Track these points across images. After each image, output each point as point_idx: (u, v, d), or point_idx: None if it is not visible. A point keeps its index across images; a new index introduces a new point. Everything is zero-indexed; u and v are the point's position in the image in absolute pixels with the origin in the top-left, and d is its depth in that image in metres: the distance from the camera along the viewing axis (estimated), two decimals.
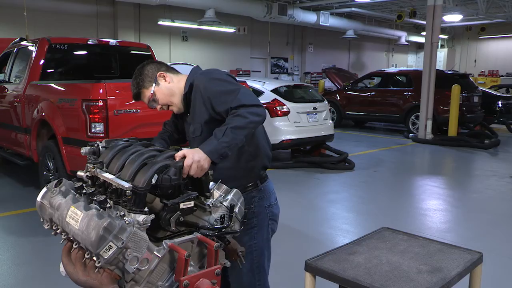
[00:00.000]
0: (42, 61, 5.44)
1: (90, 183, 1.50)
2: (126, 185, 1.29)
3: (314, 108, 7.55)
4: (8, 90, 5.90)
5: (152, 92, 1.96)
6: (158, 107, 2.01)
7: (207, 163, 1.60)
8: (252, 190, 2.02)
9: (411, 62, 26.52)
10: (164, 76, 1.99)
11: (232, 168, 1.96)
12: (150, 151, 1.49)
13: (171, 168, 1.39)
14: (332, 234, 4.48)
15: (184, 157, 1.52)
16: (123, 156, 1.47)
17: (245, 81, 5.77)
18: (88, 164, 1.53)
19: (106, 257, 1.10)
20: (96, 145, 1.62)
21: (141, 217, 1.22)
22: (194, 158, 1.52)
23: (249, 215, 1.96)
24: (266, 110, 7.16)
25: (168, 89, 1.99)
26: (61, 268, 1.27)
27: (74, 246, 1.19)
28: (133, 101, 4.27)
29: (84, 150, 1.61)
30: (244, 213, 1.52)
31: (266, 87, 7.63)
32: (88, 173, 1.52)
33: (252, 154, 2.00)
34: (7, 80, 6.11)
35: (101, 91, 4.08)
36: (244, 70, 17.21)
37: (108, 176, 1.41)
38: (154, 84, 1.96)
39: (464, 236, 4.43)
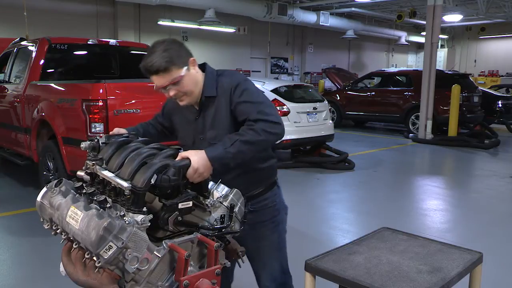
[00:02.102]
0: (42, 61, 5.44)
1: (89, 180, 1.49)
2: (125, 184, 1.29)
3: (314, 108, 7.56)
4: (8, 90, 5.90)
5: (182, 74, 1.79)
6: (173, 93, 1.82)
7: (208, 172, 1.57)
8: (275, 187, 2.07)
9: (411, 62, 26.52)
10: (194, 64, 1.88)
11: (261, 169, 1.99)
12: (150, 149, 1.47)
13: (171, 169, 1.38)
14: (332, 234, 4.48)
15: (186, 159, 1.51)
16: (122, 154, 1.46)
17: None
18: (88, 161, 1.52)
19: (106, 257, 1.10)
20: (96, 140, 1.59)
21: (139, 217, 1.22)
22: (194, 166, 1.50)
23: (274, 212, 2.04)
24: None
25: (195, 78, 1.86)
26: (61, 268, 1.27)
27: (74, 246, 1.19)
28: (133, 101, 4.28)
29: (84, 145, 1.58)
30: (244, 213, 1.52)
31: (266, 87, 7.63)
32: (87, 170, 1.50)
33: (271, 153, 2.04)
34: (7, 80, 6.10)
35: (101, 91, 4.08)
36: (244, 70, 17.20)
37: (107, 174, 1.40)
38: (185, 67, 1.81)
39: (464, 236, 4.43)
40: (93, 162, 1.49)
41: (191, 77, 1.83)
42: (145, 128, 2.14)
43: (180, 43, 1.86)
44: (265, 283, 2.09)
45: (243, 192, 1.75)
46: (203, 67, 1.98)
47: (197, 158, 1.53)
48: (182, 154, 1.52)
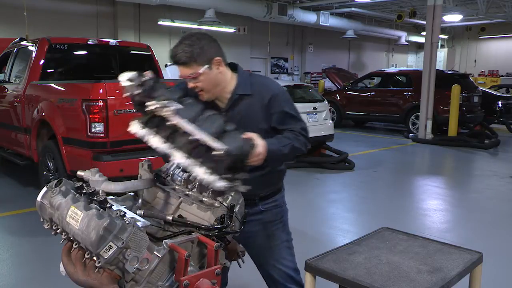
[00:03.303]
0: (42, 61, 5.44)
1: (143, 120, 1.43)
2: (219, 145, 1.27)
3: (314, 108, 7.56)
4: (8, 90, 5.90)
5: (200, 72, 1.80)
6: (191, 85, 1.85)
7: (262, 160, 1.67)
8: (282, 189, 2.15)
9: (411, 62, 26.52)
10: (219, 64, 1.88)
11: (279, 171, 2.07)
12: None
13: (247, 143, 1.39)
14: (332, 234, 4.48)
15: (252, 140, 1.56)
16: (194, 108, 1.41)
17: None
18: (150, 99, 1.41)
19: (106, 257, 1.10)
20: (143, 77, 1.46)
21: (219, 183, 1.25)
22: (259, 150, 1.59)
23: (282, 212, 2.12)
24: None
25: (216, 79, 1.87)
26: (61, 268, 1.27)
27: (74, 246, 1.19)
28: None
29: (130, 76, 1.45)
30: (244, 213, 1.52)
31: None
32: (151, 107, 1.40)
33: None
34: (7, 80, 6.11)
35: (101, 91, 4.08)
36: (244, 70, 17.18)
37: (187, 125, 1.34)
38: (206, 66, 1.82)
39: (464, 236, 4.43)
40: (162, 102, 1.38)
41: (211, 76, 1.84)
42: None
43: (210, 39, 1.88)
44: (282, 282, 2.11)
45: (260, 192, 1.78)
46: (234, 66, 2.03)
47: (262, 143, 1.61)
48: (251, 135, 1.56)
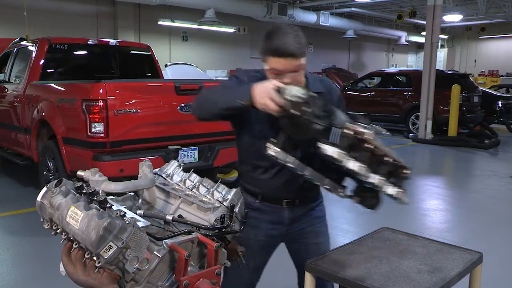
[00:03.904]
0: (42, 61, 5.45)
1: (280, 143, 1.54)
2: (408, 166, 1.56)
3: None
4: (8, 90, 5.91)
5: (304, 63, 1.78)
6: (288, 80, 1.74)
7: None
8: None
9: (411, 62, 26.52)
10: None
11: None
12: None
13: None
14: (332, 234, 4.45)
15: None
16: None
17: None
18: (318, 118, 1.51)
19: (106, 257, 1.09)
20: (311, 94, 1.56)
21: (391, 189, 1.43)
22: None
23: (324, 208, 2.17)
24: None
25: (304, 73, 1.85)
26: (61, 268, 1.27)
27: (74, 246, 1.19)
28: (132, 101, 4.28)
29: (301, 92, 1.53)
30: (244, 213, 1.52)
31: None
32: (366, 136, 1.52)
33: None
34: (7, 80, 6.11)
35: (101, 91, 4.08)
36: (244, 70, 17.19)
37: (384, 148, 1.54)
38: (305, 57, 1.79)
39: (464, 236, 4.43)
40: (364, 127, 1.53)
41: (304, 70, 1.83)
42: None
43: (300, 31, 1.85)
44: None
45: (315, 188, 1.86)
46: None
47: None
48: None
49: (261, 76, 1.85)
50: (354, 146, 1.54)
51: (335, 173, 1.68)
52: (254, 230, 1.97)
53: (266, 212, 1.97)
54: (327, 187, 1.68)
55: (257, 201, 1.97)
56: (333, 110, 1.58)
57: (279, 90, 1.57)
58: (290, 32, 1.75)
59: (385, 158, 1.57)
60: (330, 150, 1.51)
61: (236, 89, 1.76)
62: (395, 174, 1.59)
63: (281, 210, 1.96)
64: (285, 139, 1.62)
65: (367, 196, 1.66)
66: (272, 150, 1.62)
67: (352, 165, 1.51)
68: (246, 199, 1.97)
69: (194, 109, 1.92)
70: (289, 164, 1.64)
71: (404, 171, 1.60)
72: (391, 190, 1.54)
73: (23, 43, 6.25)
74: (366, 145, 1.54)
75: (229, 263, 1.39)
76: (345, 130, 1.53)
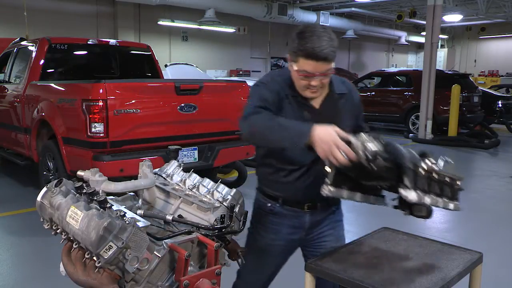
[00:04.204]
0: (42, 61, 5.45)
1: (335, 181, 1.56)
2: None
3: None
4: (8, 90, 5.91)
5: (333, 67, 1.77)
6: (317, 83, 1.76)
7: None
8: None
9: (411, 62, 26.52)
10: None
11: None
12: None
13: None
14: None
15: None
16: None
17: (244, 81, 5.78)
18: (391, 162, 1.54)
19: (106, 257, 1.09)
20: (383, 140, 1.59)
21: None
22: None
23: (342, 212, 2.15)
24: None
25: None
26: (61, 268, 1.27)
27: (74, 246, 1.19)
28: (132, 101, 4.28)
29: (376, 140, 1.56)
30: (244, 213, 1.52)
31: None
32: (459, 183, 1.71)
33: None
34: (7, 80, 6.11)
35: (101, 91, 4.08)
36: (244, 70, 17.20)
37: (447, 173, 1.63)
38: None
39: (464, 236, 4.43)
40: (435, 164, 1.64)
41: (334, 72, 1.83)
42: None
43: None
44: None
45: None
46: None
47: None
48: None
49: (284, 78, 1.83)
50: (428, 182, 1.58)
51: (370, 188, 1.74)
52: (273, 235, 1.96)
53: (286, 217, 1.94)
54: (373, 203, 1.76)
55: (277, 205, 1.93)
56: (400, 152, 1.56)
57: (347, 141, 1.53)
58: (325, 35, 1.72)
59: (446, 179, 1.64)
60: (411, 195, 1.52)
61: (293, 128, 1.65)
62: (452, 190, 1.67)
63: (303, 214, 1.94)
64: (335, 175, 1.59)
65: (417, 207, 1.66)
66: (327, 190, 1.59)
67: (429, 200, 1.56)
68: (263, 203, 1.96)
69: (244, 134, 1.80)
70: (343, 197, 1.67)
71: (458, 184, 1.71)
72: (452, 206, 1.67)
73: (23, 43, 6.25)
74: (437, 176, 1.60)
75: (229, 263, 1.39)
76: (421, 171, 1.55)
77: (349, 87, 1.99)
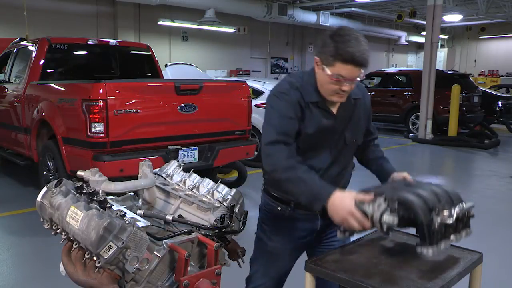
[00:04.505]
0: (42, 61, 5.45)
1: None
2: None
3: None
4: (8, 90, 5.91)
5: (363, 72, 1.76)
6: (347, 88, 1.73)
7: None
8: None
9: (411, 62, 26.52)
10: None
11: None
12: None
13: None
14: None
15: None
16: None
17: (244, 81, 5.78)
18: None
19: (106, 257, 1.10)
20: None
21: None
22: None
23: None
24: None
25: None
26: (61, 268, 1.27)
27: (74, 246, 1.19)
28: (132, 101, 4.28)
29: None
30: (244, 213, 1.52)
31: (266, 87, 7.62)
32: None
33: None
34: (7, 80, 6.11)
35: (101, 91, 4.08)
36: (244, 70, 17.21)
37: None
38: None
39: None
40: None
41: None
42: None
43: None
44: None
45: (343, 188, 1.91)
46: None
47: None
48: None
49: (307, 83, 1.79)
50: (444, 229, 1.63)
51: None
52: (285, 238, 1.95)
53: (299, 220, 1.93)
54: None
55: (289, 209, 1.91)
56: (416, 210, 1.56)
57: (363, 212, 1.55)
58: (362, 39, 1.70)
59: (461, 217, 1.71)
60: (429, 253, 1.57)
61: (312, 189, 1.65)
62: (465, 221, 1.76)
63: (315, 217, 1.93)
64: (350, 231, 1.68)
65: None
66: (340, 235, 1.69)
67: (444, 245, 1.63)
68: (273, 206, 1.95)
69: (265, 167, 1.78)
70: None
71: (471, 212, 1.80)
72: (464, 234, 1.73)
73: (23, 43, 6.25)
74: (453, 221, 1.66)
75: (229, 263, 1.39)
76: (436, 226, 1.58)
77: (363, 91, 1.97)
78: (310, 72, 1.84)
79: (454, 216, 1.61)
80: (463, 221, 1.72)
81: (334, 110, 1.84)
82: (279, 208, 1.93)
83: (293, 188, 1.68)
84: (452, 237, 1.64)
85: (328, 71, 1.69)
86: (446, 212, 1.58)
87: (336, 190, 1.63)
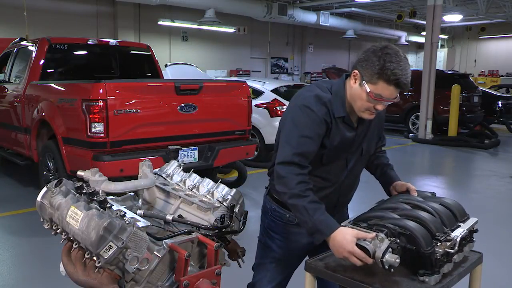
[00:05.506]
0: (42, 61, 5.45)
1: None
2: None
3: None
4: (8, 90, 5.91)
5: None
6: (381, 107, 1.72)
7: None
8: None
9: (411, 62, 26.50)
10: None
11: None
12: None
13: None
14: None
15: None
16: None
17: (244, 81, 5.78)
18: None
19: (106, 257, 1.10)
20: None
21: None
22: None
23: None
24: (267, 110, 7.22)
25: None
26: (61, 268, 1.27)
27: (74, 246, 1.19)
28: (132, 101, 4.28)
29: None
30: (244, 213, 1.52)
31: (266, 87, 7.63)
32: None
33: None
34: (7, 80, 6.11)
35: (101, 91, 4.08)
36: (244, 70, 17.21)
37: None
38: None
39: None
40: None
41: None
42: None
43: None
44: None
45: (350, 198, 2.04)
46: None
47: None
48: None
49: (336, 97, 1.77)
50: (447, 254, 1.62)
51: None
52: (293, 245, 1.97)
53: None
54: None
55: None
56: (419, 238, 1.55)
57: (365, 249, 1.54)
58: (406, 60, 1.65)
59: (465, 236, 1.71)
60: (431, 281, 1.56)
61: (315, 222, 1.65)
62: (468, 238, 1.75)
63: None
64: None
65: None
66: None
67: (447, 268, 1.63)
68: (281, 213, 1.95)
69: (279, 191, 1.76)
70: None
71: (475, 228, 1.77)
72: (467, 249, 1.74)
73: (23, 43, 6.25)
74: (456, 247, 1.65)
75: (229, 263, 1.39)
76: (438, 256, 1.57)
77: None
78: (340, 83, 1.81)
79: (458, 243, 1.60)
80: (467, 239, 1.72)
81: (355, 122, 1.84)
82: (287, 215, 1.92)
83: (298, 215, 1.70)
84: (455, 256, 1.63)
85: (368, 88, 1.66)
86: (449, 243, 1.58)
87: (339, 226, 1.63)
